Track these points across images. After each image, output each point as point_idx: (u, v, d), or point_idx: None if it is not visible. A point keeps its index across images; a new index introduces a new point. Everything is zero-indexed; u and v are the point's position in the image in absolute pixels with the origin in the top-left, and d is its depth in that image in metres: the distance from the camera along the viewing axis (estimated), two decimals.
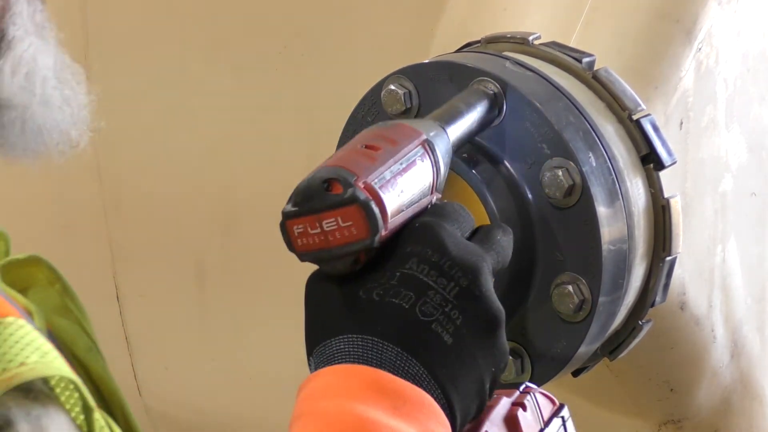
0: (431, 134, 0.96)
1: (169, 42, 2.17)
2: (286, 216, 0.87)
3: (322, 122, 1.65)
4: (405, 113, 1.14)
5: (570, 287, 1.08)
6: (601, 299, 1.08)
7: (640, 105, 1.15)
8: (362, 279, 0.88)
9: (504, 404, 0.97)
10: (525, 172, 1.10)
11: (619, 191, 1.10)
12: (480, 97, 1.09)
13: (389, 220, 0.88)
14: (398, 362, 0.85)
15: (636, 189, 1.13)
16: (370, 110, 1.16)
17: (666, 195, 1.14)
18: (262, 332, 2.03)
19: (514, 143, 1.10)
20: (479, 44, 1.22)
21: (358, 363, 0.85)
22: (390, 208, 0.88)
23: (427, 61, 1.18)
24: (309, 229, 0.87)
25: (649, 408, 1.66)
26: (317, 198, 0.86)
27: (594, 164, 1.09)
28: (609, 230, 1.08)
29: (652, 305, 1.18)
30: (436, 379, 0.86)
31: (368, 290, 0.88)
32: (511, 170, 1.10)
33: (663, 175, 1.15)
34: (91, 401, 0.88)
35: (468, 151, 1.11)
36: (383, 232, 0.87)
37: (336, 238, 0.86)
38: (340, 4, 1.93)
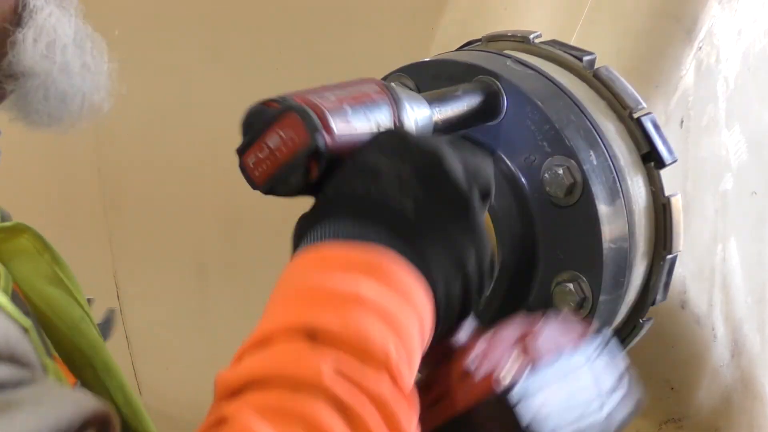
0: (401, 93, 0.96)
1: (170, 42, 2.17)
2: (240, 152, 0.89)
3: None
4: None
5: (571, 285, 1.08)
6: (602, 297, 1.08)
7: (640, 103, 1.15)
8: (322, 187, 0.89)
9: (520, 322, 0.95)
10: (526, 170, 1.10)
11: (620, 189, 1.10)
12: (475, 86, 1.09)
13: (333, 128, 0.88)
14: (364, 238, 0.85)
15: (637, 187, 1.13)
16: None
17: (667, 193, 1.14)
18: None
19: (515, 141, 1.10)
20: (480, 43, 1.22)
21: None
22: (332, 116, 0.89)
23: (428, 59, 1.19)
24: (259, 154, 0.88)
25: (649, 407, 1.66)
26: (257, 120, 0.89)
27: (595, 162, 1.09)
28: (610, 228, 1.08)
29: (653, 304, 1.18)
30: (404, 252, 0.85)
31: (324, 191, 0.88)
32: (512, 168, 1.11)
33: (664, 173, 1.15)
34: (39, 347, 0.90)
35: None
36: (327, 139, 0.88)
37: (282, 152, 0.88)
38: (340, 3, 1.93)
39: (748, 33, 1.63)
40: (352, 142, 0.90)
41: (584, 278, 1.08)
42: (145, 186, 2.25)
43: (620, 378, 0.97)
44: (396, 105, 0.94)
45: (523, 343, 0.93)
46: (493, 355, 0.91)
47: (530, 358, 0.92)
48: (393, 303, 0.82)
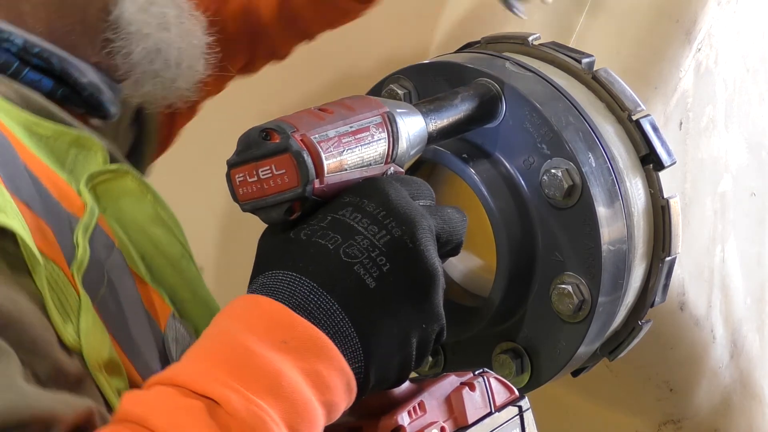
0: (398, 110, 0.96)
1: None
2: (229, 165, 0.89)
3: None
4: None
5: (570, 287, 1.08)
6: (601, 299, 1.08)
7: (639, 105, 1.15)
8: (297, 223, 0.89)
9: (451, 381, 0.97)
10: (524, 172, 1.10)
11: (618, 192, 1.10)
12: (473, 91, 1.09)
13: (326, 174, 0.89)
14: (312, 297, 0.85)
15: (635, 189, 1.13)
16: None
17: (665, 195, 1.14)
18: None
19: (513, 143, 1.10)
20: (479, 44, 1.22)
21: (268, 296, 0.85)
22: (327, 162, 0.89)
23: (427, 61, 1.19)
24: (248, 178, 0.89)
25: (648, 408, 1.67)
26: (255, 146, 0.88)
27: (594, 165, 1.09)
28: (609, 230, 1.08)
29: (652, 305, 1.18)
30: (351, 318, 0.85)
31: (298, 231, 0.88)
32: (511, 170, 1.11)
33: (662, 175, 1.15)
34: (35, 252, 0.90)
35: (467, 151, 1.11)
36: (317, 184, 0.88)
37: (270, 186, 0.88)
38: None
39: (747, 34, 1.63)
40: (340, 185, 0.90)
41: (583, 280, 1.08)
42: None
43: None
44: (392, 138, 0.95)
45: (453, 402, 0.95)
46: (425, 414, 0.93)
47: (457, 420, 0.94)
48: (305, 396, 0.82)
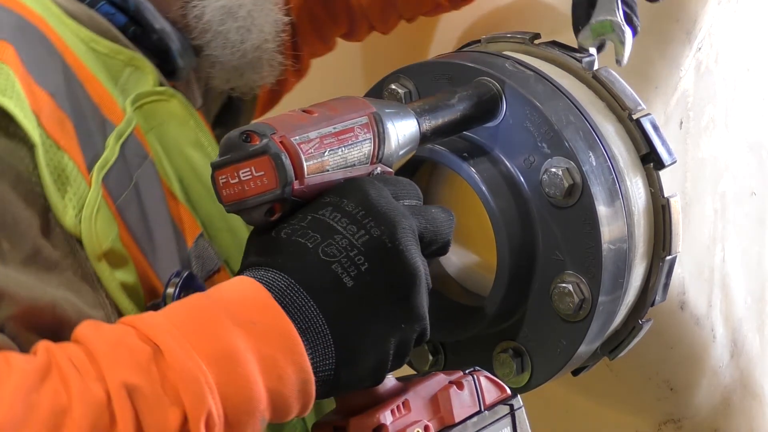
0: (386, 111, 0.97)
1: None
2: (213, 167, 0.91)
3: None
4: None
5: (570, 286, 1.09)
6: (601, 298, 1.08)
7: (640, 104, 1.15)
8: (278, 222, 0.91)
9: (438, 380, 0.97)
10: (525, 171, 1.10)
11: (619, 191, 1.10)
12: (472, 90, 1.09)
13: (306, 176, 0.90)
14: (288, 292, 0.86)
15: (636, 188, 1.13)
16: None
17: (666, 194, 1.14)
18: None
19: (514, 142, 1.10)
20: (479, 44, 1.22)
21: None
22: (308, 163, 0.90)
23: (427, 60, 1.19)
24: (230, 179, 0.90)
25: (649, 407, 1.66)
26: (236, 148, 0.89)
27: (594, 164, 1.09)
28: (609, 229, 1.08)
29: (652, 304, 1.18)
30: (325, 316, 0.86)
31: (279, 230, 0.90)
32: (511, 169, 1.11)
33: (663, 174, 1.15)
34: (33, 135, 0.92)
35: (468, 150, 1.11)
36: (296, 185, 0.89)
37: (251, 187, 0.89)
38: None
39: (748, 33, 1.63)
40: (322, 185, 0.91)
41: (583, 279, 1.08)
42: None
43: None
44: (378, 139, 0.95)
45: (440, 401, 0.95)
46: (409, 413, 0.93)
47: (443, 418, 0.95)
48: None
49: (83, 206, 0.95)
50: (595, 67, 1.17)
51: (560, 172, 1.07)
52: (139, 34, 1.12)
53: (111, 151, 0.99)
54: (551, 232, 1.09)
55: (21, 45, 0.97)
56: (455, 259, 1.18)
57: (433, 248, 0.93)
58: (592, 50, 1.20)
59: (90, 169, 0.97)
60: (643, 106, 1.16)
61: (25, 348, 0.86)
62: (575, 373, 1.20)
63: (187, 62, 1.16)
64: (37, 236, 0.92)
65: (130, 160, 1.01)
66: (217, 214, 1.08)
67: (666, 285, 1.17)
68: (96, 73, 1.04)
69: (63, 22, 1.04)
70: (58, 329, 0.88)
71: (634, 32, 1.22)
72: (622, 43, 1.20)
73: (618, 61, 1.20)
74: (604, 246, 1.08)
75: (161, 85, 1.10)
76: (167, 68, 1.14)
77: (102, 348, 0.82)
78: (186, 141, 1.09)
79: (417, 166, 1.14)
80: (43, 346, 0.84)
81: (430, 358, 1.19)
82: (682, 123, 1.51)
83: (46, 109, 0.95)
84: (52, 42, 1.01)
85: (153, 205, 1.02)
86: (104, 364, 0.81)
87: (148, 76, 1.08)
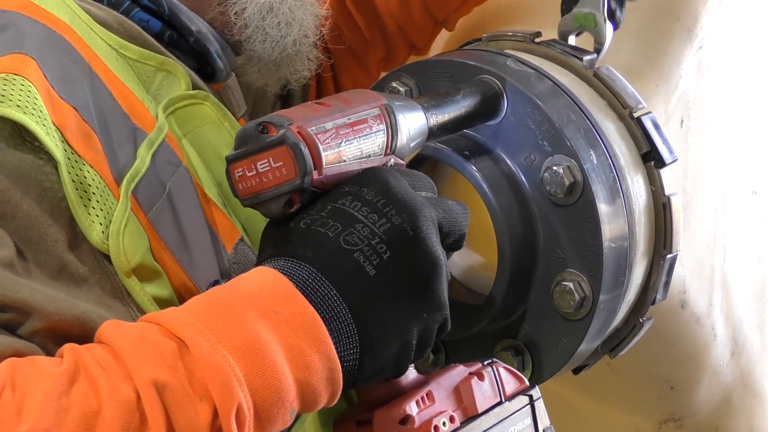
0: (396, 103, 0.96)
1: None
2: (228, 161, 0.90)
3: None
4: None
5: (571, 285, 1.09)
6: (602, 297, 1.09)
7: (641, 103, 1.15)
8: (297, 213, 0.90)
9: (459, 372, 0.97)
10: (526, 169, 1.10)
11: (620, 189, 1.10)
12: (474, 87, 1.09)
13: (324, 166, 0.89)
14: (310, 281, 0.86)
15: (637, 187, 1.13)
16: None
17: (667, 193, 1.14)
18: None
19: (515, 140, 1.10)
20: (481, 42, 1.22)
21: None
22: (325, 153, 0.89)
23: (428, 58, 1.19)
24: (247, 172, 0.89)
25: (649, 406, 1.66)
26: (252, 140, 0.89)
27: (595, 162, 1.09)
28: (610, 228, 1.08)
29: (653, 303, 1.18)
30: (348, 304, 0.86)
31: (297, 220, 0.89)
32: (513, 168, 1.11)
33: (664, 172, 1.15)
34: (55, 151, 0.91)
35: (469, 149, 1.11)
36: (315, 175, 0.88)
37: (269, 179, 0.88)
38: None
39: (749, 32, 1.63)
40: (339, 176, 0.91)
41: (584, 277, 1.08)
42: None
43: None
44: (391, 130, 0.95)
45: (462, 392, 0.95)
46: (434, 403, 0.93)
47: (466, 409, 0.95)
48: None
49: (110, 222, 0.94)
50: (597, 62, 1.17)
51: (561, 171, 1.07)
52: (175, 38, 1.12)
53: (141, 161, 0.98)
54: (552, 230, 1.09)
55: (45, 58, 0.96)
56: (456, 257, 1.18)
57: (450, 240, 0.92)
58: (571, 39, 1.20)
59: (119, 181, 0.95)
60: (644, 104, 1.16)
61: None
62: (576, 371, 1.20)
63: (227, 63, 1.15)
64: (63, 251, 0.91)
65: (163, 168, 1.00)
66: (258, 217, 1.09)
67: (667, 283, 1.17)
68: (126, 81, 1.03)
69: (91, 30, 1.03)
70: (88, 343, 0.87)
71: (615, 27, 1.22)
72: (601, 43, 1.21)
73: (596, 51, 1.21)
74: (605, 244, 1.08)
75: (194, 88, 1.09)
76: (207, 71, 1.14)
77: (126, 346, 0.82)
78: (222, 143, 1.08)
79: (419, 165, 1.14)
80: (69, 348, 0.83)
81: (432, 356, 1.19)
82: (682, 121, 1.51)
83: (70, 123, 0.94)
84: (79, 51, 0.99)
85: (188, 214, 1.01)
86: (130, 363, 0.81)
87: (180, 80, 1.08)
